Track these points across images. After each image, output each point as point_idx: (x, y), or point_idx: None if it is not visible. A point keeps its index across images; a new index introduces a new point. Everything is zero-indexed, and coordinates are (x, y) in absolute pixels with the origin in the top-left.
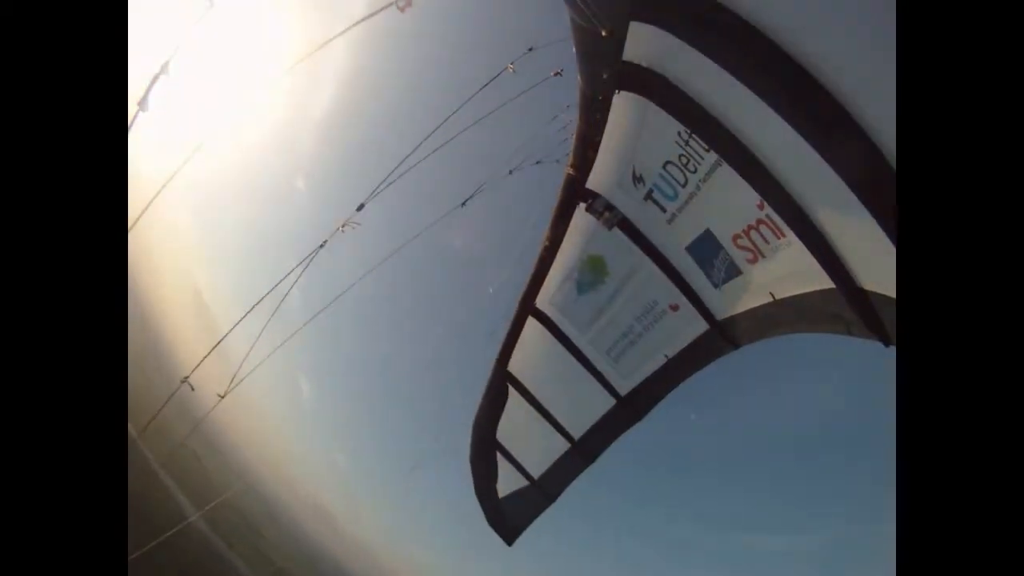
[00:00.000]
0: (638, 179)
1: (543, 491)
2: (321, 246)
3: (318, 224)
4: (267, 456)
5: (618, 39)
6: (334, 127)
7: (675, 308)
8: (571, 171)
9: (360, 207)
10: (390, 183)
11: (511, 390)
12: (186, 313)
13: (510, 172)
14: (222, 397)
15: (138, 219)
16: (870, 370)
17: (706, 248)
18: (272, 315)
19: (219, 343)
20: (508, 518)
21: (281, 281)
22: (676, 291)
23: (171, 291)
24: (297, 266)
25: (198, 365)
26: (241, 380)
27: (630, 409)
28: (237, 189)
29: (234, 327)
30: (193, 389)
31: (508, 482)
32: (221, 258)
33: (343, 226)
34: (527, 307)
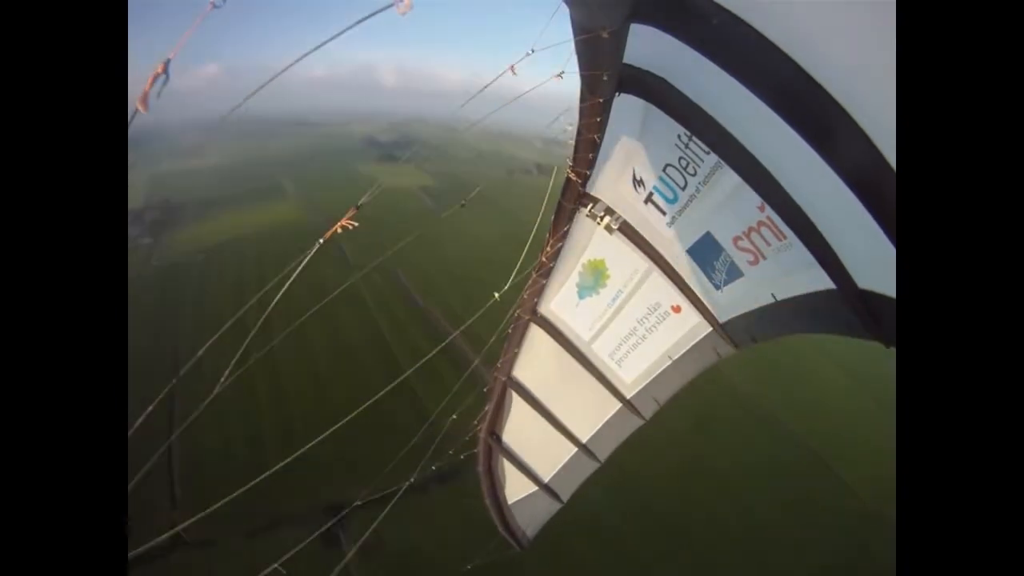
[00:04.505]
0: (638, 182)
1: (552, 494)
2: (319, 245)
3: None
4: None
5: (619, 41)
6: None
7: (677, 310)
8: (572, 175)
9: (358, 206)
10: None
11: (516, 396)
12: None
13: (510, 174)
14: (212, 396)
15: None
16: None
17: (707, 250)
18: (266, 313)
19: (212, 341)
20: (519, 522)
21: (278, 279)
22: (678, 293)
23: None
24: (294, 265)
25: (190, 364)
26: (231, 379)
27: (635, 411)
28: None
29: (228, 325)
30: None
31: (517, 487)
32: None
33: (339, 225)
34: (530, 313)
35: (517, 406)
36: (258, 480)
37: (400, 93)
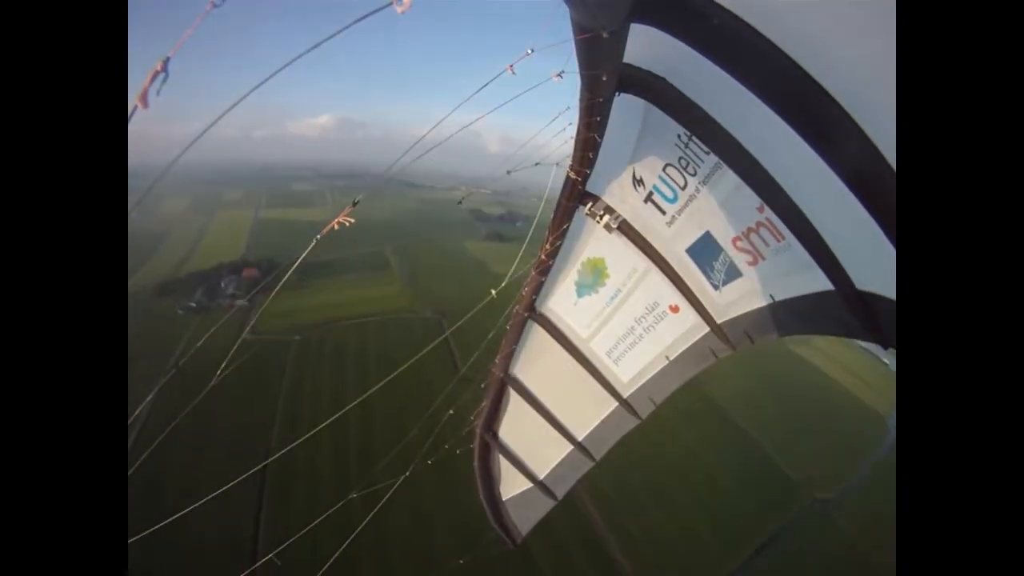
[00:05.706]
0: (638, 181)
1: (547, 491)
2: (316, 240)
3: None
4: None
5: (619, 41)
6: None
7: (675, 310)
8: (571, 174)
9: (355, 203)
10: (386, 179)
11: (513, 393)
12: None
13: (508, 172)
14: (211, 385)
15: (132, 209)
16: None
17: (706, 250)
18: (263, 307)
19: (210, 333)
20: (513, 518)
21: (274, 274)
22: (676, 293)
23: None
24: (290, 262)
25: (188, 355)
26: (228, 371)
27: (632, 410)
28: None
29: (226, 317)
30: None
31: (512, 483)
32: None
33: (336, 221)
34: (528, 310)
35: (514, 403)
36: None
37: (503, 160)
